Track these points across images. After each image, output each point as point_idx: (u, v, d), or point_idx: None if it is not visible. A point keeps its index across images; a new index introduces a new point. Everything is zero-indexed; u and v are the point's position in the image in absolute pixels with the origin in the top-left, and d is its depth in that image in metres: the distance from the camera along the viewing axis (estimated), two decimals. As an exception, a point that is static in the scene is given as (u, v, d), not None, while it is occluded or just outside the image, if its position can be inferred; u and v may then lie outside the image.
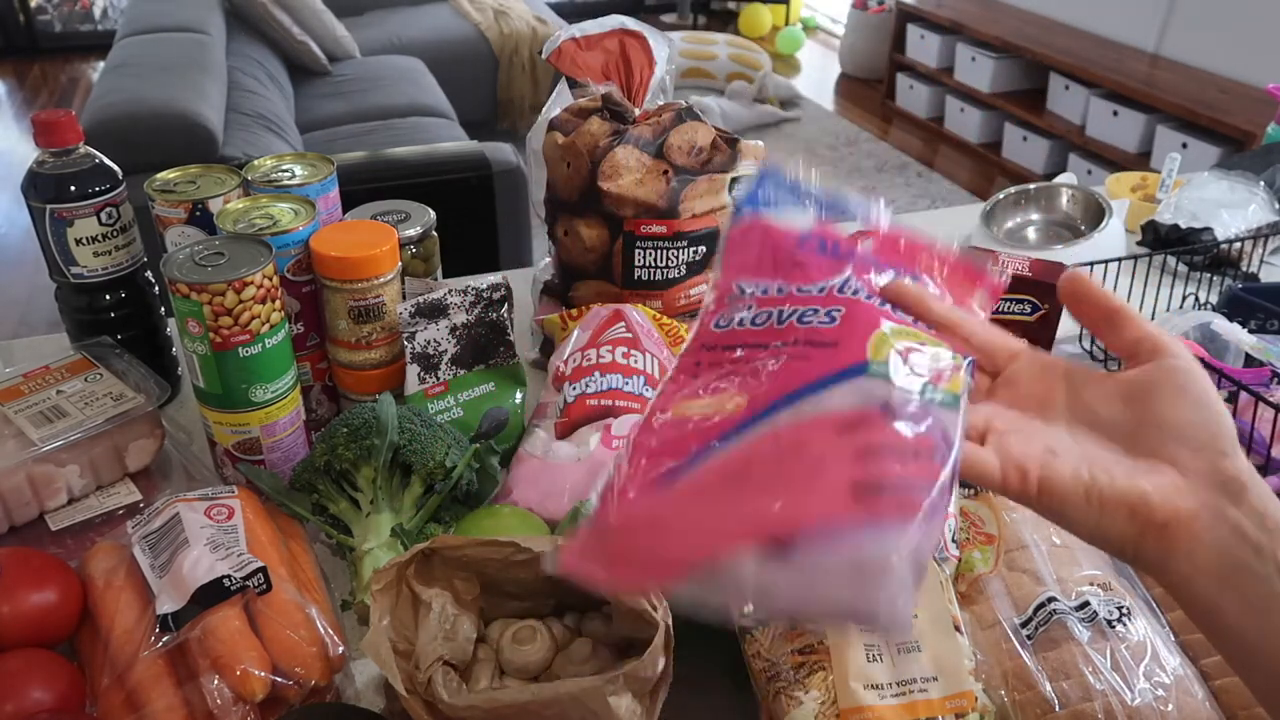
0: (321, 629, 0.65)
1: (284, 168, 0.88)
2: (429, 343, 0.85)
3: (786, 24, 5.88)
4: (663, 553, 0.39)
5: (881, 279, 0.46)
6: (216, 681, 0.60)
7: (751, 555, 0.37)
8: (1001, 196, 1.32)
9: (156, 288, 0.96)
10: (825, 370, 0.42)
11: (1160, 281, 1.15)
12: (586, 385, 0.86)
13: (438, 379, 0.87)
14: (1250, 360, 0.91)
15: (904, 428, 0.39)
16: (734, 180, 0.97)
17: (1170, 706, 0.58)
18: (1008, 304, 0.81)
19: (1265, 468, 0.83)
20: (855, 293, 0.45)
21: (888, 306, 0.45)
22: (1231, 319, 0.96)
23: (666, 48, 1.00)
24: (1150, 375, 0.44)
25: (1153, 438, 0.43)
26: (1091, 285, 0.47)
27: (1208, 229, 1.17)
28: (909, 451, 0.39)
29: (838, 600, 0.36)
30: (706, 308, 0.48)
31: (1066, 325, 0.83)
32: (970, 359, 0.45)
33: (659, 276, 0.97)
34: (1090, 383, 0.46)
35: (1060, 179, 1.36)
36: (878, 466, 0.38)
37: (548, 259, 1.06)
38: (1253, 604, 0.42)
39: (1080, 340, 1.02)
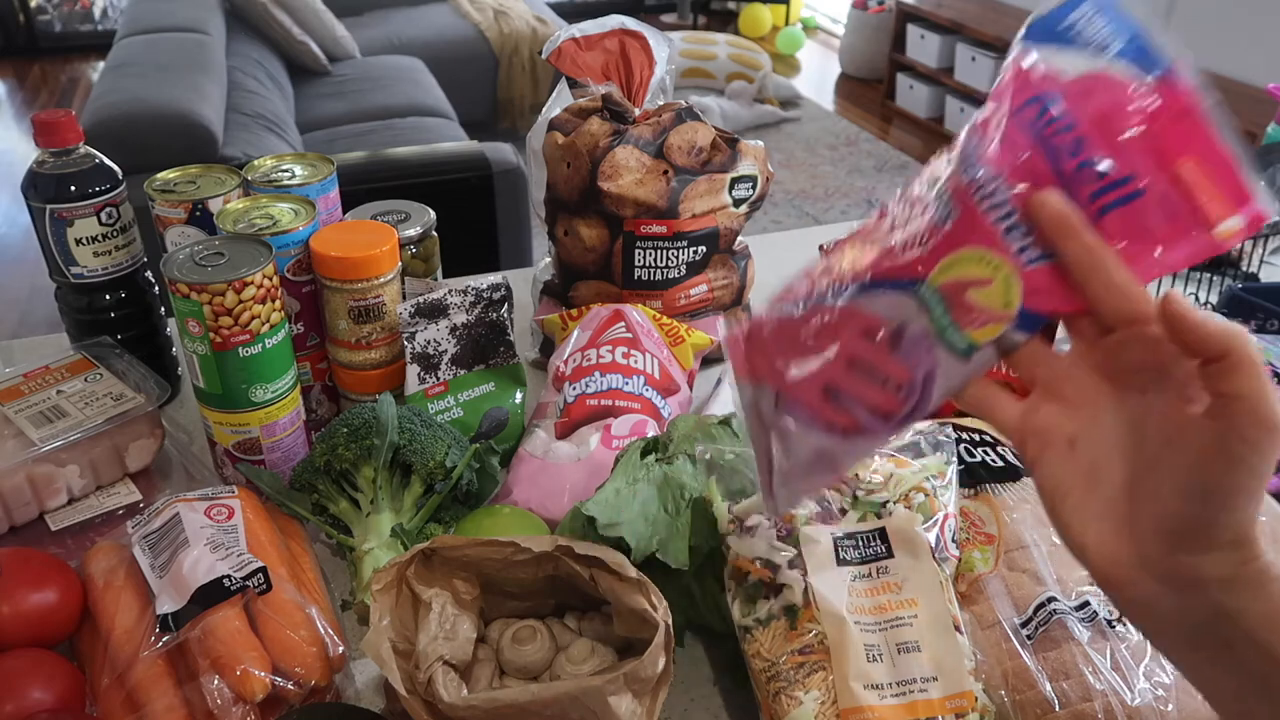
0: (321, 629, 0.65)
1: (284, 168, 0.88)
2: (429, 343, 0.85)
3: (786, 24, 5.88)
4: (749, 361, 0.48)
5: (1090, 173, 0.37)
6: (216, 681, 0.60)
7: (771, 395, 0.46)
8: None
9: (156, 288, 0.96)
10: (898, 273, 0.41)
11: (1160, 281, 1.15)
12: (586, 385, 0.86)
13: (438, 379, 0.87)
14: (1250, 360, 0.91)
15: (897, 355, 0.41)
16: (734, 180, 0.97)
17: (1170, 706, 0.57)
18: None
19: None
20: (988, 196, 0.39)
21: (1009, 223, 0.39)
22: (1231, 319, 0.96)
23: (666, 48, 1.00)
24: (1200, 440, 0.36)
25: (1146, 493, 0.38)
26: (1210, 320, 0.35)
27: (1208, 229, 1.17)
28: (880, 378, 0.42)
29: (768, 452, 0.46)
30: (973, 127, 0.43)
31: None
32: (1027, 320, 0.39)
33: (659, 276, 0.97)
34: (1165, 404, 0.38)
35: (1060, 179, 1.36)
36: (849, 379, 0.43)
37: (548, 259, 1.06)
38: (1196, 666, 0.40)
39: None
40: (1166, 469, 0.38)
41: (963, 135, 0.42)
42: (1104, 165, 0.37)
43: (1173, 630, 0.39)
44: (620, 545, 0.67)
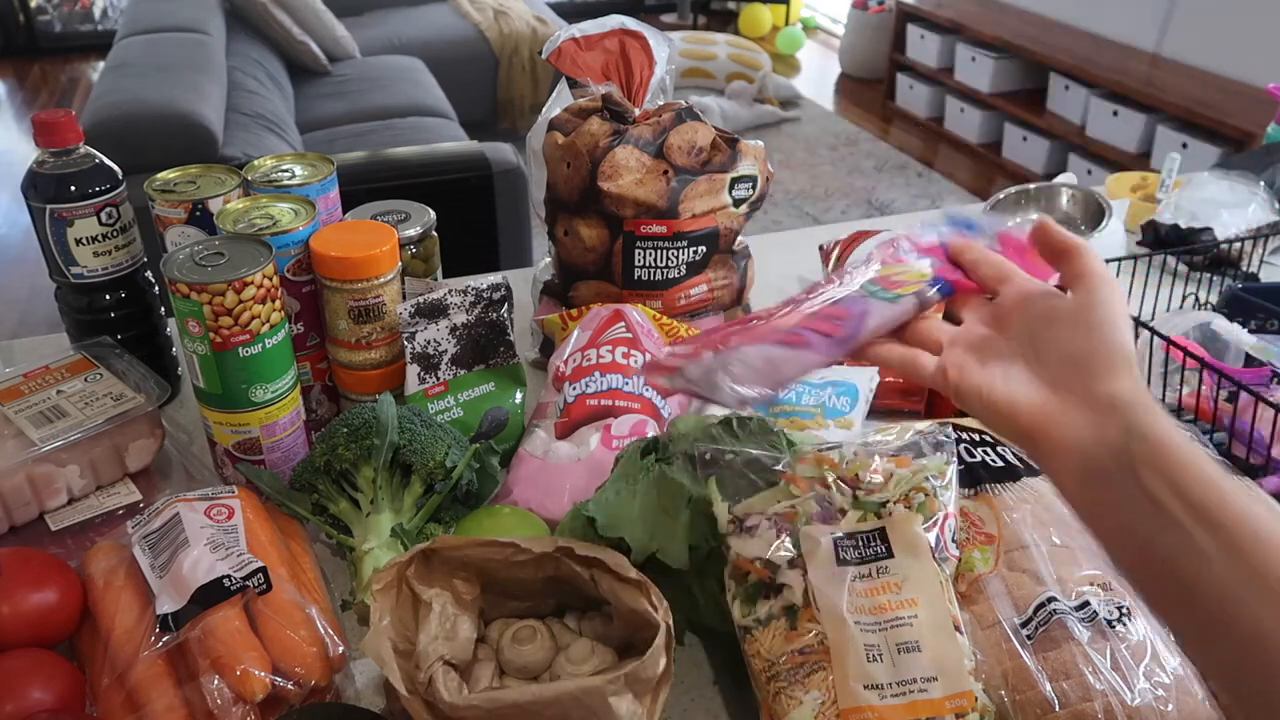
0: (321, 629, 0.65)
1: (284, 168, 0.88)
2: (429, 343, 0.85)
3: (786, 24, 5.88)
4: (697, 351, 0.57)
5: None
6: (216, 681, 0.60)
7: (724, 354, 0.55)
8: (1001, 196, 1.32)
9: (156, 288, 0.96)
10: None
11: (1160, 281, 1.15)
12: (586, 385, 0.86)
13: (438, 379, 0.87)
14: (1250, 360, 0.91)
15: (838, 306, 0.58)
16: (734, 180, 0.97)
17: (1170, 706, 0.58)
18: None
19: (1265, 467, 0.83)
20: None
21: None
22: (1231, 319, 0.96)
23: (666, 48, 1.00)
24: (1064, 304, 0.53)
25: (1049, 357, 0.52)
26: (1060, 232, 0.55)
27: (1208, 229, 1.17)
28: (826, 315, 0.57)
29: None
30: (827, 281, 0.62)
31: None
32: (938, 283, 0.58)
33: (659, 276, 0.97)
34: (1035, 308, 0.54)
35: (1060, 179, 1.36)
36: (808, 322, 0.57)
37: (548, 259, 1.06)
38: (1105, 505, 0.48)
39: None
40: (1057, 332, 0.52)
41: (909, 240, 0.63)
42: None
43: (1087, 460, 0.48)
44: (620, 545, 0.67)
